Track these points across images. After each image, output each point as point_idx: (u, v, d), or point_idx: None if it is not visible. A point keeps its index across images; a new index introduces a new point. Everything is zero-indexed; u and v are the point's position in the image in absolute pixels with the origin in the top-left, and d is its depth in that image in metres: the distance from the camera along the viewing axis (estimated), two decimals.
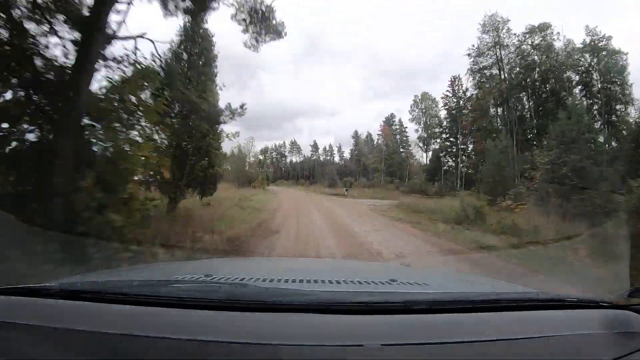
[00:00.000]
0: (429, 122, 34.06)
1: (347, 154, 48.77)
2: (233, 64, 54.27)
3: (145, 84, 5.39)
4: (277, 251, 6.43)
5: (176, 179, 7.87)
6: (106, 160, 4.81)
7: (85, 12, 5.00)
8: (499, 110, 25.97)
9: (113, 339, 0.76)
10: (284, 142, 51.89)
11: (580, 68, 22.60)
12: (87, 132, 4.88)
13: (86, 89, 4.78)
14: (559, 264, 5.55)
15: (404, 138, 41.53)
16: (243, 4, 6.94)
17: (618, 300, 0.99)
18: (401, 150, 40.53)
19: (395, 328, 0.83)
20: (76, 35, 4.88)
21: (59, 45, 4.88)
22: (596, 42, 21.76)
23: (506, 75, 24.63)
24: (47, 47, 4.80)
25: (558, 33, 23.11)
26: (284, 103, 58.83)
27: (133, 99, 5.25)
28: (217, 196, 11.92)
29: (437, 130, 33.23)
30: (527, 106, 24.19)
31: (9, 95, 4.53)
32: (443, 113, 32.54)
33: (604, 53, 21.52)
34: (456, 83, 30.18)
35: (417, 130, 34.37)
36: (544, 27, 23.47)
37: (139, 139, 5.21)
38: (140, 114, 5.25)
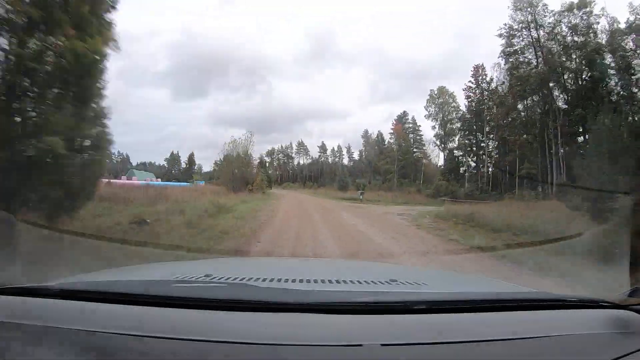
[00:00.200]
0: (446, 118, 30.10)
1: (356, 156, 45.93)
2: (241, 68, 53.38)
3: None
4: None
5: None
6: None
7: None
8: (533, 99, 21.83)
9: (113, 338, 0.77)
10: (291, 143, 48.63)
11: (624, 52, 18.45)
12: None
13: None
14: None
15: (418, 137, 37.54)
16: None
17: (618, 300, 0.98)
18: (414, 150, 36.59)
19: (395, 328, 0.84)
20: None
21: None
22: None
23: (543, 58, 20.61)
24: None
25: (602, 9, 19.06)
26: (292, 106, 55.21)
27: None
28: (172, 207, 8.49)
29: (455, 126, 29.25)
30: (562, 95, 20.09)
31: None
32: (463, 107, 28.44)
33: None
34: (479, 73, 26.26)
35: (434, 127, 30.53)
36: (583, 4, 19.45)
37: None
38: None
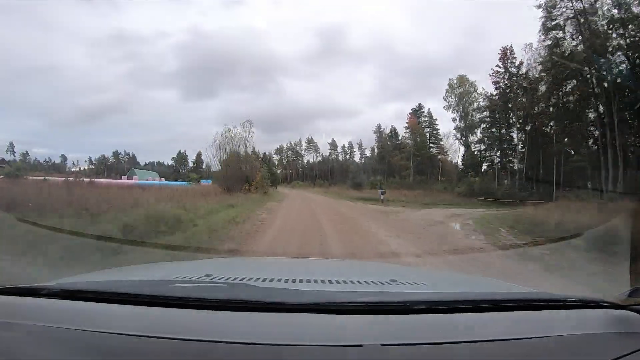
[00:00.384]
0: (467, 110, 27.21)
1: (367, 152, 43.72)
2: (250, 67, 51.70)
3: None
4: None
5: None
6: None
7: None
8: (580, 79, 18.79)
9: (113, 339, 0.78)
10: (300, 140, 46.39)
11: None
12: None
13: None
14: None
15: (434, 132, 34.73)
16: None
17: (618, 300, 0.98)
18: (431, 145, 33.83)
19: (395, 328, 0.85)
20: None
21: None
22: None
23: (587, 32, 17.57)
24: None
25: None
26: (302, 105, 52.95)
27: None
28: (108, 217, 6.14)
29: (478, 117, 26.32)
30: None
31: None
32: (483, 98, 25.47)
33: None
34: (507, 56, 23.29)
35: (454, 119, 27.71)
36: None
37: None
38: None
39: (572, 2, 19.65)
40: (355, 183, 34.06)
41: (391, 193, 25.02)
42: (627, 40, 17.99)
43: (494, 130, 28.37)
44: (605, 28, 18.67)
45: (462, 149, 31.96)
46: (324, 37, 57.61)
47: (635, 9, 17.49)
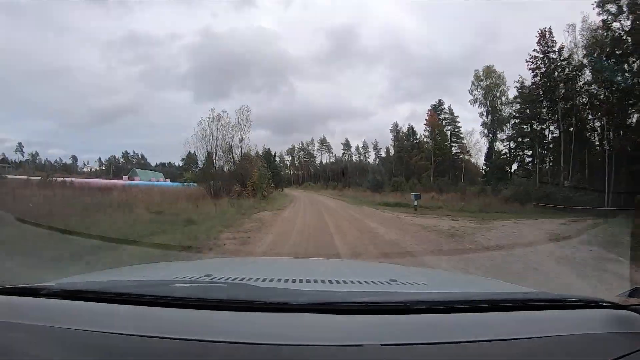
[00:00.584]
0: (496, 103, 24.20)
1: (382, 153, 41.43)
2: (262, 69, 52.14)
3: None
4: None
5: None
6: None
7: None
8: None
9: (113, 339, 0.78)
10: (312, 140, 44.01)
11: None
12: None
13: None
14: None
15: (456, 130, 31.75)
16: None
17: (618, 300, 0.98)
18: (452, 144, 30.88)
19: (395, 328, 0.85)
20: None
21: None
22: None
23: None
24: None
25: None
26: (314, 106, 53.23)
27: None
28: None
29: (509, 110, 23.26)
30: None
31: None
32: (514, 90, 22.40)
33: None
34: (547, 39, 20.19)
35: (481, 114, 24.68)
36: None
37: None
38: None
39: None
40: (375, 185, 30.37)
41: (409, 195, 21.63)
42: None
43: (524, 126, 25.21)
44: None
45: (485, 149, 28.82)
46: (335, 38, 57.12)
47: None
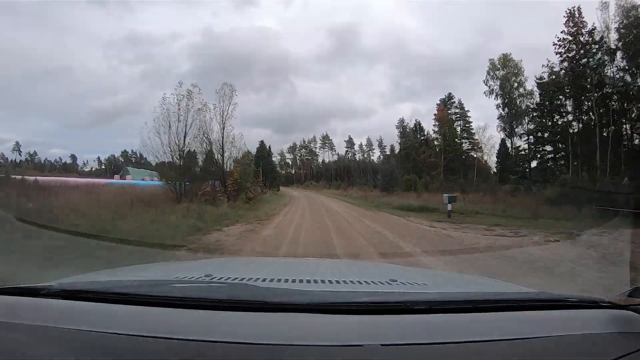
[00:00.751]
0: (513, 94, 21.75)
1: (387, 151, 39.53)
2: (263, 68, 53.00)
3: None
4: None
5: None
6: None
7: None
8: None
9: (113, 339, 0.78)
10: (314, 137, 41.87)
11: None
12: None
13: None
14: None
15: (466, 125, 29.43)
16: None
17: (618, 300, 0.97)
18: (463, 140, 28.66)
19: (395, 328, 0.84)
20: None
21: None
22: None
23: None
24: None
25: None
26: (316, 105, 54.01)
27: None
28: None
29: (530, 102, 20.88)
30: None
31: None
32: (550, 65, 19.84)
33: None
34: (577, 19, 17.53)
35: (497, 107, 22.21)
36: None
37: None
38: None
39: None
40: (385, 184, 26.04)
41: (433, 197, 18.41)
42: None
43: (545, 119, 22.49)
44: None
45: (499, 144, 26.18)
46: (336, 36, 56.25)
47: None
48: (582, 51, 19.54)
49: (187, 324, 0.82)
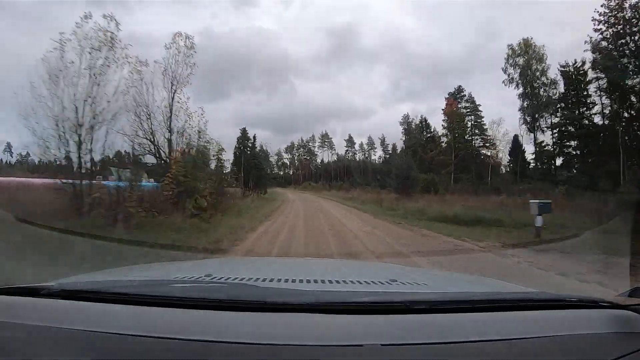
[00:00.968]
0: (537, 82, 18.49)
1: (389, 150, 36.66)
2: (262, 69, 51.14)
3: None
4: None
5: None
6: None
7: None
8: None
9: (113, 339, 0.78)
10: (313, 136, 39.20)
11: None
12: None
13: None
14: None
15: (478, 121, 26.29)
16: None
17: (618, 300, 0.97)
18: (474, 137, 25.61)
19: (395, 328, 0.84)
20: None
21: None
22: None
23: None
24: None
25: None
26: (315, 106, 52.17)
27: None
28: None
29: (557, 92, 17.74)
30: None
31: None
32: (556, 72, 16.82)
33: None
34: None
35: (519, 96, 19.04)
36: None
37: None
38: None
39: None
40: (399, 185, 20.33)
41: (455, 199, 14.36)
42: None
43: (572, 111, 19.27)
44: None
45: (521, 139, 22.96)
46: (335, 37, 55.00)
47: None
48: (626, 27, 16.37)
49: (187, 324, 0.82)
